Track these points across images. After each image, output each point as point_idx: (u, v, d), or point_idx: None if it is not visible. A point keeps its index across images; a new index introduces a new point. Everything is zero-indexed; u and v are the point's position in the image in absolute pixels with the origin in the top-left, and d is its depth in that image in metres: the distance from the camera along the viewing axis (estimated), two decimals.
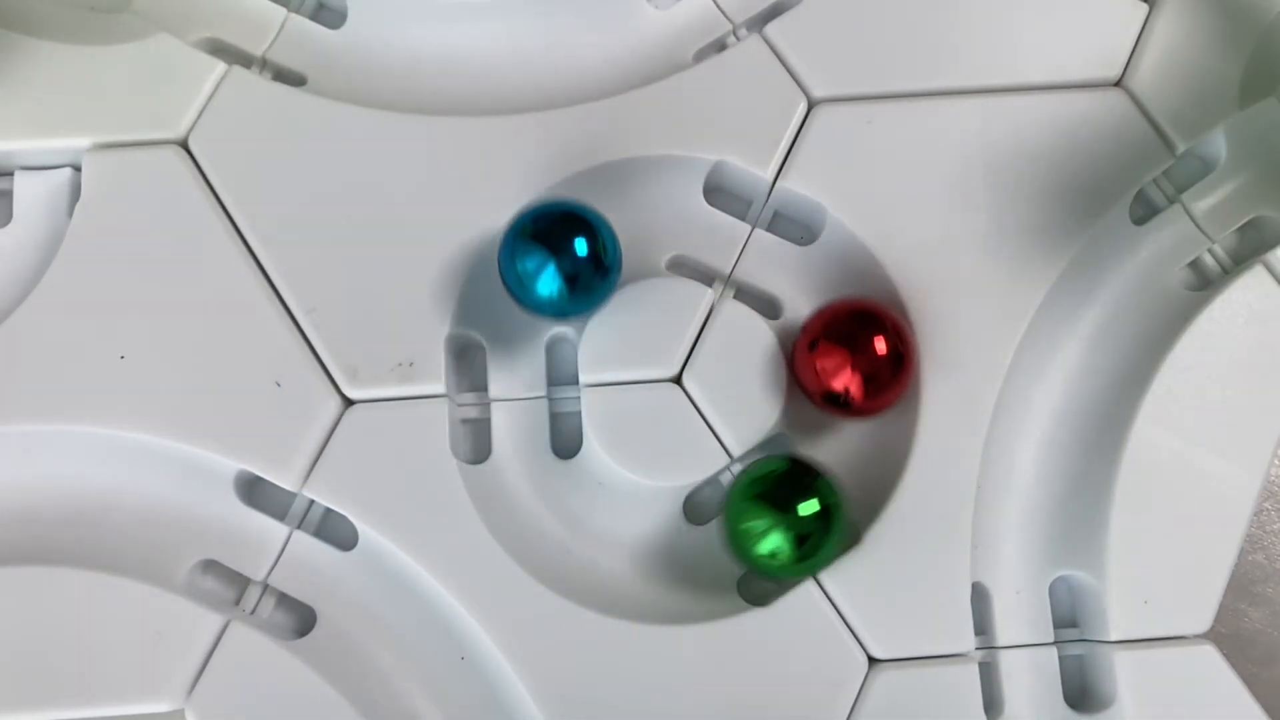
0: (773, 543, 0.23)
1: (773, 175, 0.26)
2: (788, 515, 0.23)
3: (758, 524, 0.23)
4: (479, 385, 0.26)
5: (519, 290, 0.24)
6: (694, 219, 0.27)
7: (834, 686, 0.24)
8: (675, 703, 0.24)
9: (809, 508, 0.23)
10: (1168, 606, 0.25)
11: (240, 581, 0.25)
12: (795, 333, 0.26)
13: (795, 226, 0.27)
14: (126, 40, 0.26)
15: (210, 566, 0.25)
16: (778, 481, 0.24)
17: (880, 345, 0.24)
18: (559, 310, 0.24)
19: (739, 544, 0.23)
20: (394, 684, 0.25)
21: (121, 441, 0.25)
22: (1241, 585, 0.29)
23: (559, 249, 0.24)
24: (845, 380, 0.24)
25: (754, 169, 0.26)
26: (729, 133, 0.26)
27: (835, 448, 0.26)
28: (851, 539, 0.25)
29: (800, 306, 0.27)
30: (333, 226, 0.26)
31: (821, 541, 0.23)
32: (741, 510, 0.23)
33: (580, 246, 0.24)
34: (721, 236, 0.27)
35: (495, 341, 0.26)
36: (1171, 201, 0.27)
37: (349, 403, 0.25)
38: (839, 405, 0.24)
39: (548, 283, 0.24)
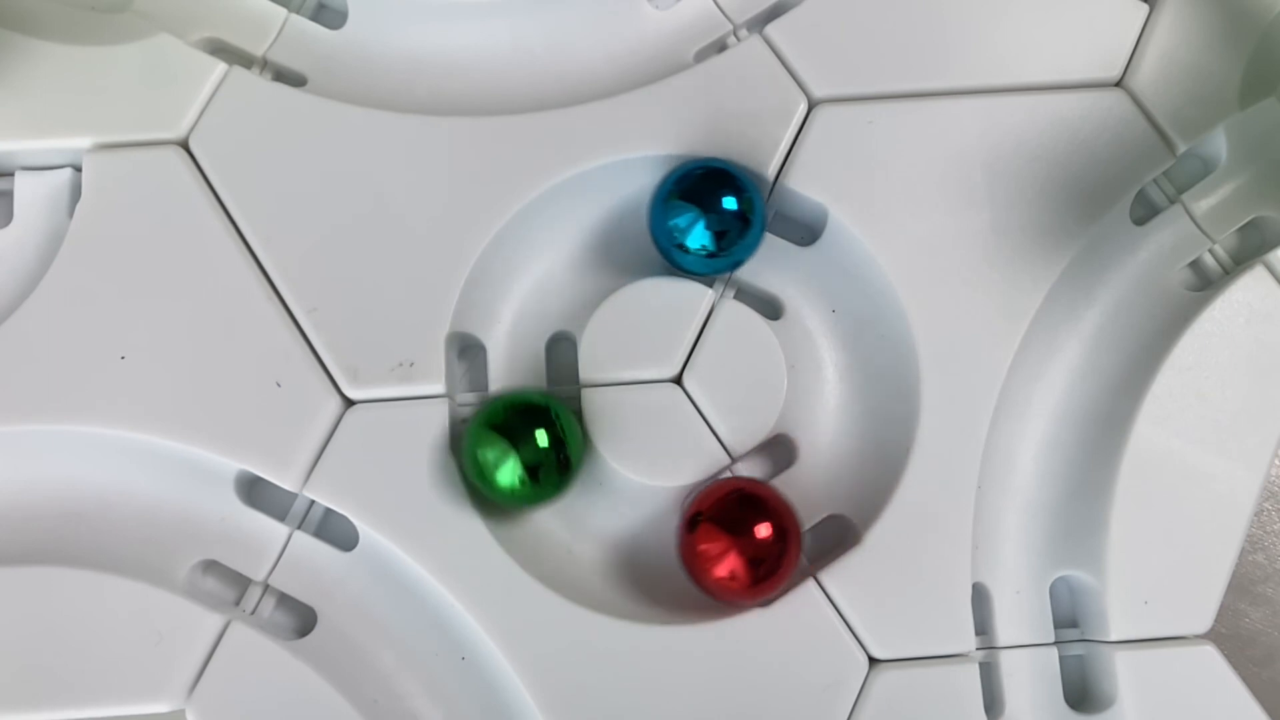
0: (508, 474, 0.24)
1: (773, 175, 0.26)
2: (520, 447, 0.24)
3: (491, 453, 0.24)
4: (479, 385, 0.26)
5: (669, 246, 0.25)
6: None
7: (834, 686, 0.24)
8: (675, 703, 0.24)
9: (541, 438, 0.24)
10: (1168, 606, 0.25)
11: (241, 582, 0.25)
12: (796, 334, 0.26)
13: (796, 227, 0.27)
14: (126, 40, 0.26)
15: (210, 566, 0.25)
16: (511, 413, 0.24)
17: (764, 530, 0.24)
18: (709, 264, 0.25)
19: (478, 474, 0.24)
20: (394, 684, 0.25)
21: (121, 441, 0.25)
22: (1241, 585, 0.29)
23: (708, 205, 0.25)
24: (730, 565, 0.24)
25: (755, 169, 0.26)
26: (729, 133, 0.26)
27: (835, 448, 0.26)
28: (852, 539, 0.25)
29: (800, 306, 0.27)
30: (333, 227, 0.26)
31: (553, 472, 0.24)
32: (477, 440, 0.24)
33: (729, 202, 0.25)
34: None
35: (495, 341, 0.26)
36: (1172, 202, 0.27)
37: (349, 403, 0.25)
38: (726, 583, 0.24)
39: (698, 237, 0.25)
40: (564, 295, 0.26)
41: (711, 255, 0.25)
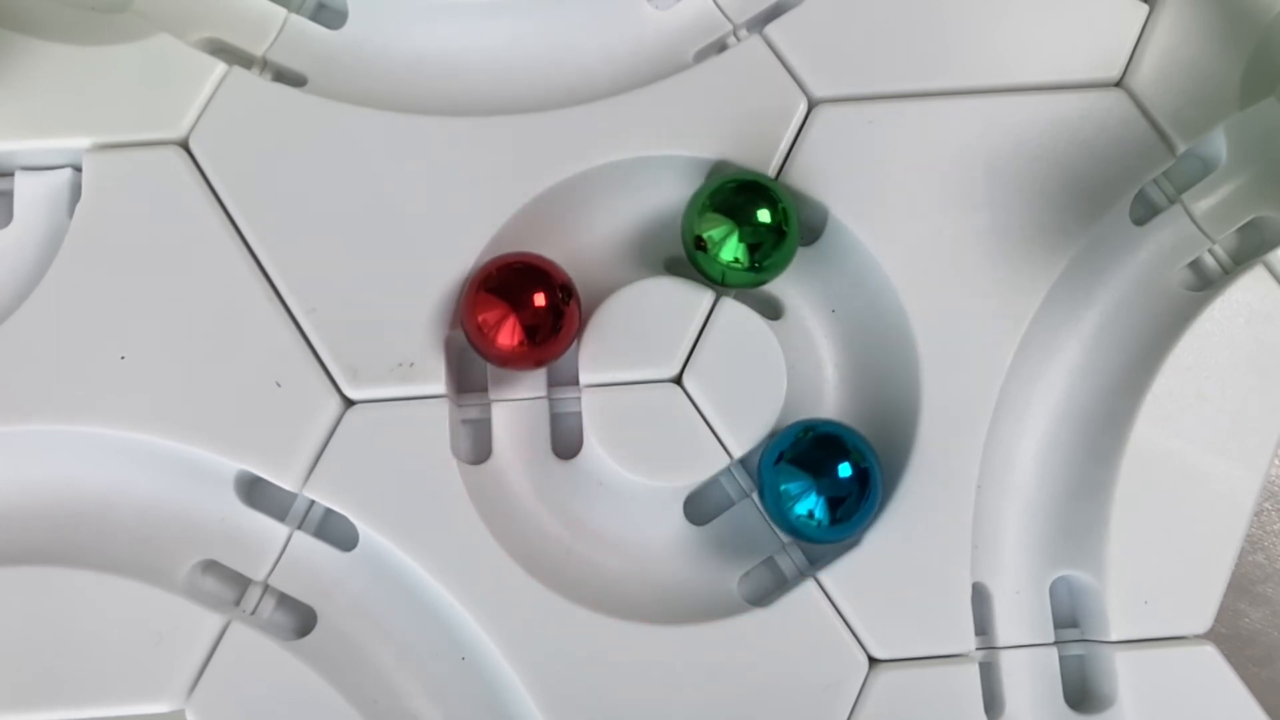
0: (731, 250, 0.24)
1: (773, 175, 0.26)
2: (742, 225, 0.24)
3: (716, 232, 0.24)
4: (479, 385, 0.26)
5: (777, 511, 0.24)
6: None
7: (834, 686, 0.24)
8: (675, 703, 0.24)
9: (763, 216, 0.24)
10: (1168, 606, 0.25)
11: (240, 582, 0.25)
12: (796, 334, 0.26)
13: None
14: (126, 40, 0.26)
15: (210, 567, 0.25)
16: (734, 192, 0.24)
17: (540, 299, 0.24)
18: (821, 534, 0.24)
19: (701, 255, 0.25)
20: (394, 684, 0.25)
21: (121, 441, 0.25)
22: (1241, 585, 0.29)
23: (821, 473, 0.24)
24: (509, 332, 0.24)
25: (754, 169, 0.26)
26: (729, 133, 0.26)
27: None
28: (852, 539, 0.25)
29: (800, 306, 0.27)
30: (333, 226, 0.26)
31: (773, 249, 0.25)
32: (701, 220, 0.25)
33: (844, 469, 0.24)
34: None
35: None
36: (1172, 202, 0.27)
37: (349, 403, 0.25)
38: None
39: (807, 504, 0.24)
40: None
41: (826, 526, 0.24)
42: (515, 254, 0.25)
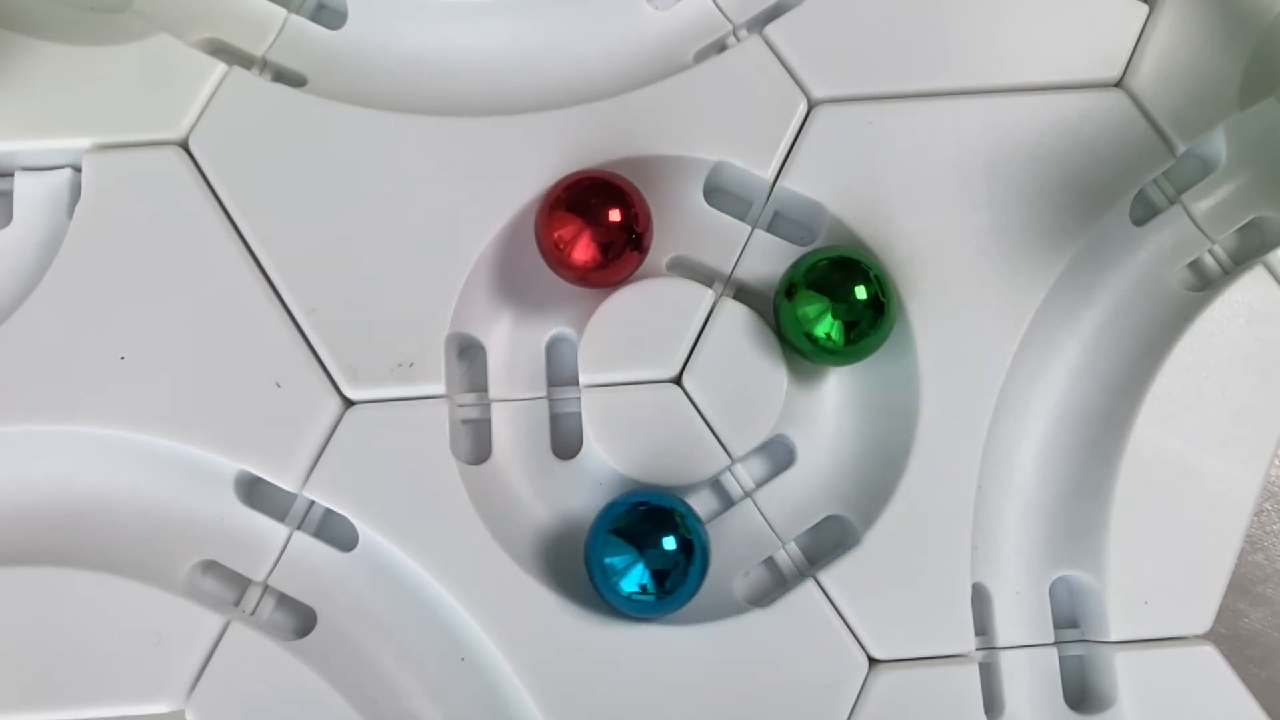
0: (825, 326, 0.24)
1: (773, 175, 0.26)
2: (839, 302, 0.24)
3: (811, 309, 0.24)
4: (479, 385, 0.26)
5: (604, 584, 0.24)
6: (694, 219, 0.27)
7: (834, 687, 0.24)
8: (675, 703, 0.24)
9: (861, 293, 0.24)
10: (1168, 607, 0.25)
11: (240, 582, 0.25)
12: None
13: (795, 227, 0.27)
14: (126, 40, 0.26)
15: (210, 567, 0.25)
16: (830, 269, 0.24)
17: (615, 215, 0.24)
18: (649, 609, 0.24)
19: (795, 329, 0.25)
20: (394, 684, 0.25)
21: (121, 441, 0.25)
22: (1241, 585, 0.29)
23: (646, 545, 0.23)
24: (584, 250, 0.24)
25: (754, 169, 0.26)
26: (729, 133, 0.26)
27: (835, 448, 0.26)
28: (852, 539, 0.25)
29: None
30: (332, 226, 0.26)
31: (869, 329, 0.24)
32: (800, 297, 0.24)
33: (669, 542, 0.23)
34: (721, 236, 0.27)
35: (495, 341, 0.26)
36: (1172, 202, 0.27)
37: (349, 403, 0.25)
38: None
39: (635, 579, 0.23)
40: (564, 295, 0.26)
41: (654, 601, 0.23)
42: (589, 171, 0.25)
